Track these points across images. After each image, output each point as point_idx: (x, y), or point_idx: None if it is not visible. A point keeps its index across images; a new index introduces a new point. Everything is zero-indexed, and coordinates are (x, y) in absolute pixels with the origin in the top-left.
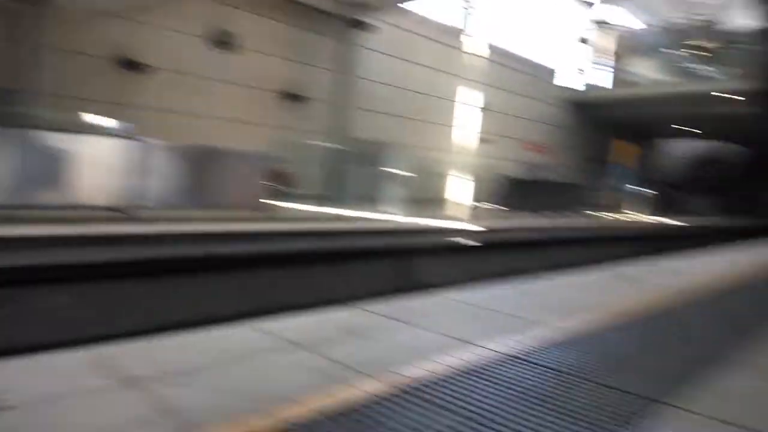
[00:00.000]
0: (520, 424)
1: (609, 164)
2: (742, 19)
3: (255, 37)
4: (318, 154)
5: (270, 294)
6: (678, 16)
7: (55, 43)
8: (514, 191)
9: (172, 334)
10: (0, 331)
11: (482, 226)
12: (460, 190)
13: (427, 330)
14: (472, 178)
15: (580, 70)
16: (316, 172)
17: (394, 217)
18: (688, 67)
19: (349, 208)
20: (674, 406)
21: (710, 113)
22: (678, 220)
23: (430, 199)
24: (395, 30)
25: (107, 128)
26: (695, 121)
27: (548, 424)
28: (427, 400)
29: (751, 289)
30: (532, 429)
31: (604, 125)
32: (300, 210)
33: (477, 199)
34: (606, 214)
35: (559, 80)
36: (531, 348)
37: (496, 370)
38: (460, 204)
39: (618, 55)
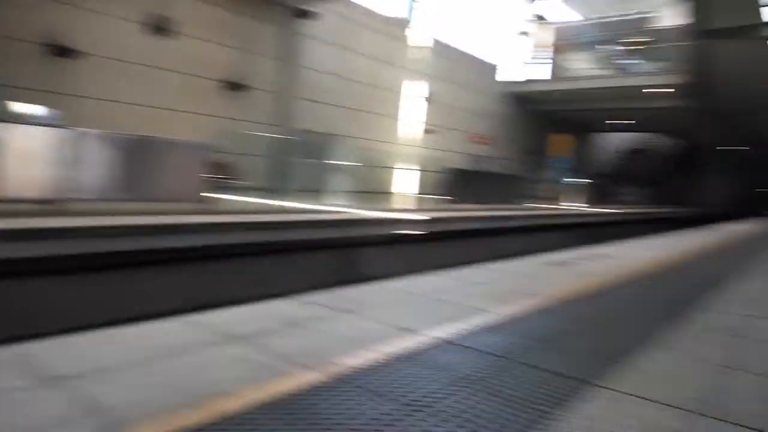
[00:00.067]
0: (456, 408)
1: (548, 156)
2: (671, 16)
3: (195, 24)
4: (261, 144)
5: (208, 288)
6: (613, 12)
7: None
8: (459, 182)
9: (101, 330)
10: None
11: (426, 217)
12: (404, 182)
13: (367, 319)
14: (417, 170)
15: (521, 64)
16: (259, 163)
17: (337, 208)
18: (622, 62)
19: (292, 200)
20: (604, 386)
21: (642, 107)
22: (611, 210)
23: (375, 191)
24: (340, 20)
25: (33, 116)
26: (629, 115)
27: (484, 407)
28: (365, 389)
29: (676, 274)
30: (467, 412)
31: (544, 118)
32: (242, 202)
33: (422, 190)
34: (545, 204)
35: (501, 74)
36: (470, 334)
37: (435, 357)
38: (405, 195)
39: (556, 50)
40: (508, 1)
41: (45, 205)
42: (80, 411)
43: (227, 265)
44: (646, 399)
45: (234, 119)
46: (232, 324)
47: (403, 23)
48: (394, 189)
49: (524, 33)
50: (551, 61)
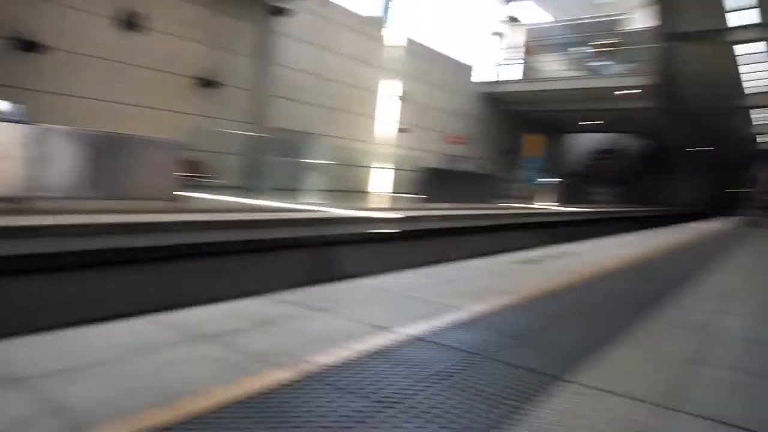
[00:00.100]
0: (428, 404)
1: (521, 156)
2: (640, 19)
3: (168, 20)
4: (235, 142)
5: (182, 288)
6: (584, 14)
7: None
8: (433, 181)
9: (67, 330)
10: None
11: (401, 216)
12: (379, 180)
13: (341, 317)
14: (392, 169)
15: (495, 65)
16: (233, 161)
17: (312, 207)
18: (592, 64)
19: (266, 199)
20: (573, 381)
21: (613, 108)
22: (582, 209)
23: (349, 190)
24: (316, 19)
25: None
26: (600, 116)
27: (456, 404)
28: (336, 386)
29: (645, 271)
30: (440, 409)
31: (517, 119)
32: (215, 200)
33: (396, 189)
34: (518, 203)
35: (476, 75)
36: (443, 331)
37: (409, 354)
38: (379, 194)
39: (529, 51)
40: (482, 2)
41: (8, 204)
42: (43, 412)
43: (200, 264)
44: (613, 393)
45: (207, 117)
46: (203, 323)
47: (379, 23)
48: (368, 188)
49: (498, 34)
50: (523, 62)
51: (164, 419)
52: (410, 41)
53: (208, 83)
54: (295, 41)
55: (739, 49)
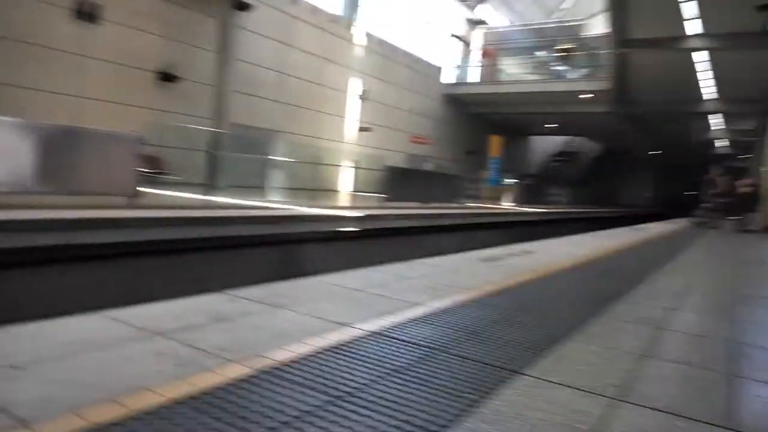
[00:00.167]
0: (386, 398)
1: (485, 158)
2: (599, 25)
3: (126, 11)
4: (196, 138)
5: (139, 285)
6: (544, 19)
7: None
8: (398, 181)
9: (14, 326)
10: None
11: (363, 214)
12: (344, 179)
13: (299, 313)
14: (357, 168)
15: (461, 67)
16: (194, 157)
17: (272, 204)
18: (553, 68)
19: (227, 196)
20: (530, 375)
21: (572, 111)
22: (541, 209)
23: (311, 188)
24: (281, 15)
25: None
26: (560, 119)
27: (414, 397)
28: (294, 382)
29: (601, 269)
30: (398, 403)
31: (482, 120)
32: (174, 197)
33: (360, 188)
34: (480, 203)
35: (442, 76)
36: (402, 327)
37: (367, 349)
38: (343, 192)
39: (491, 54)
40: (450, 5)
41: None
42: None
43: (157, 262)
44: (567, 386)
45: (167, 111)
46: (158, 319)
47: (346, 21)
48: (331, 186)
49: (458, 36)
50: (486, 65)
51: (114, 415)
52: (378, 41)
53: (167, 77)
54: (260, 37)
55: (696, 56)
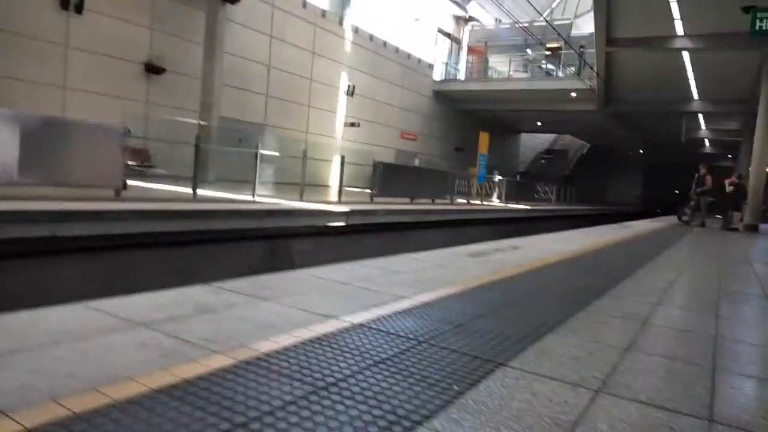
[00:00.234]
0: (371, 390)
1: (474, 154)
2: (587, 23)
3: (112, 2)
4: (183, 131)
5: (126, 277)
6: (534, 18)
7: None
8: (387, 177)
9: None
10: None
11: (352, 209)
12: (332, 174)
13: (284, 305)
14: (345, 163)
15: (450, 64)
16: (180, 150)
17: (259, 198)
18: (541, 66)
19: (212, 190)
20: (515, 367)
21: (562, 110)
22: (529, 206)
23: (299, 182)
24: (270, 9)
25: None
26: (550, 117)
27: (399, 388)
28: (279, 373)
29: (587, 265)
30: (383, 393)
31: (471, 117)
32: (159, 190)
33: (349, 183)
34: (468, 200)
35: (433, 73)
36: (388, 319)
37: (353, 341)
38: (332, 187)
39: (479, 52)
40: (440, 1)
41: None
42: None
43: (144, 254)
44: (552, 378)
45: (154, 104)
46: (142, 309)
47: (338, 18)
48: (319, 180)
49: (448, 34)
50: (475, 62)
51: (96, 404)
52: (367, 36)
53: (154, 69)
54: (249, 30)
55: (686, 55)
